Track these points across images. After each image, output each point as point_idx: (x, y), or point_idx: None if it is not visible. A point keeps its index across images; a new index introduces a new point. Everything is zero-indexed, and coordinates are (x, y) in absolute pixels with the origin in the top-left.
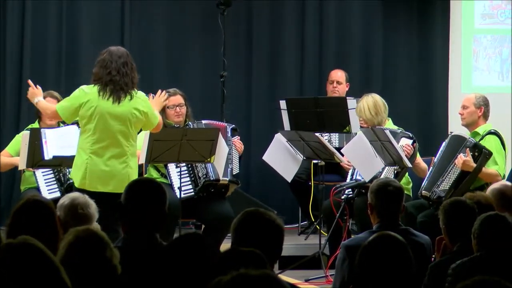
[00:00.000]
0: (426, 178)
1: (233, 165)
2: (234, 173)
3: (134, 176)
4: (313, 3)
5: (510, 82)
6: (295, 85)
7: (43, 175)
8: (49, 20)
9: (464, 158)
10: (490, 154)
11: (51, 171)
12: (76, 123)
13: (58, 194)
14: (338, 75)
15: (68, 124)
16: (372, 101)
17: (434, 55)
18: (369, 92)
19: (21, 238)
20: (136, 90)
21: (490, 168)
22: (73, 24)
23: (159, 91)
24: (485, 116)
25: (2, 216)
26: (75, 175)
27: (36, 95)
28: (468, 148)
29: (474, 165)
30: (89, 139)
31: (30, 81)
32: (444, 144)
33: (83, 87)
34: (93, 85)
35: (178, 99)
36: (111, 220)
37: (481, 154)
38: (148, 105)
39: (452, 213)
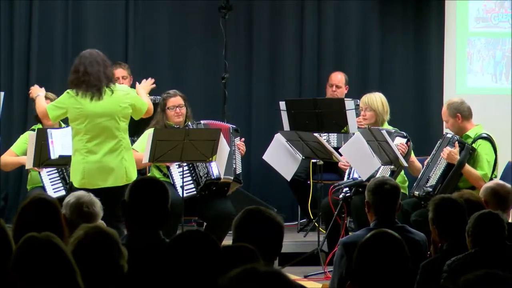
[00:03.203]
0: (418, 178)
1: (236, 165)
2: (237, 173)
3: (131, 168)
4: (312, 5)
5: (503, 84)
6: (294, 85)
7: (48, 175)
8: (55, 21)
9: (450, 149)
10: (473, 149)
11: (56, 170)
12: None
13: (63, 192)
14: (338, 78)
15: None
16: (384, 98)
17: (429, 57)
18: (368, 92)
19: (44, 235)
20: (115, 84)
21: (476, 170)
22: (79, 25)
23: (149, 79)
24: (467, 118)
25: (10, 215)
26: (74, 176)
27: (38, 91)
28: (456, 142)
29: (458, 157)
30: (81, 139)
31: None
32: (436, 146)
33: (69, 91)
34: (73, 90)
35: (178, 100)
36: (112, 217)
37: (464, 149)
38: (132, 96)
39: (442, 210)
